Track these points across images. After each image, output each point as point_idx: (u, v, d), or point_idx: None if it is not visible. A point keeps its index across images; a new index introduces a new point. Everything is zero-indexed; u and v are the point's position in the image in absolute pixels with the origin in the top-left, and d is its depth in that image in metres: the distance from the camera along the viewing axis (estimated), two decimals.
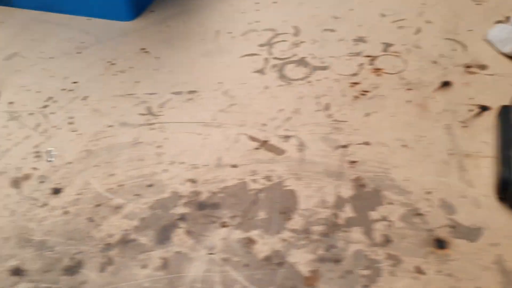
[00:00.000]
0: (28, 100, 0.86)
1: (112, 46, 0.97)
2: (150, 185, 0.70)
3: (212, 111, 0.81)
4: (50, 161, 0.75)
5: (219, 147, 0.75)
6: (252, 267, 0.59)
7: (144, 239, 0.63)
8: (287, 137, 0.75)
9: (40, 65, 0.94)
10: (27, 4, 1.10)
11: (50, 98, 0.86)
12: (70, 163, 0.74)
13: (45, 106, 0.84)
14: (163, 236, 0.63)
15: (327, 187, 0.67)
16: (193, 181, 0.70)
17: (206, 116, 0.80)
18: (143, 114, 0.81)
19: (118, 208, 0.67)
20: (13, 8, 1.10)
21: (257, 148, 0.74)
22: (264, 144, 0.74)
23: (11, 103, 0.85)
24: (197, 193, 0.68)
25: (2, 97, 0.81)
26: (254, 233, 0.62)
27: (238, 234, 0.62)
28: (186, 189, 0.69)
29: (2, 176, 0.73)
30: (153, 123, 0.80)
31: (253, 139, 0.75)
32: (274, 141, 0.75)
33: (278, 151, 0.73)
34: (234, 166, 0.71)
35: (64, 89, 0.88)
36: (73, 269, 0.60)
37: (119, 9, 1.02)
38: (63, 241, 0.64)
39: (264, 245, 0.61)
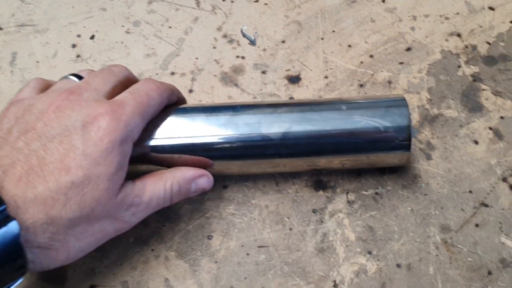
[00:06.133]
0: None
1: None
2: (409, 49, 0.55)
3: None
4: (252, 43, 0.55)
5: None
6: None
7: (449, 111, 0.50)
8: None
9: None
10: None
11: None
12: (283, 42, 0.55)
13: None
14: (471, 102, 0.51)
15: None
16: (457, 34, 0.56)
17: None
18: None
19: (389, 82, 0.52)
20: None
21: None
22: None
23: None
24: (472, 47, 0.54)
25: None
26: None
27: None
28: (455, 44, 0.55)
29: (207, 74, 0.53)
30: None
31: None
32: None
33: None
34: (491, 8, 0.58)
35: None
36: None
37: None
38: None
39: None
